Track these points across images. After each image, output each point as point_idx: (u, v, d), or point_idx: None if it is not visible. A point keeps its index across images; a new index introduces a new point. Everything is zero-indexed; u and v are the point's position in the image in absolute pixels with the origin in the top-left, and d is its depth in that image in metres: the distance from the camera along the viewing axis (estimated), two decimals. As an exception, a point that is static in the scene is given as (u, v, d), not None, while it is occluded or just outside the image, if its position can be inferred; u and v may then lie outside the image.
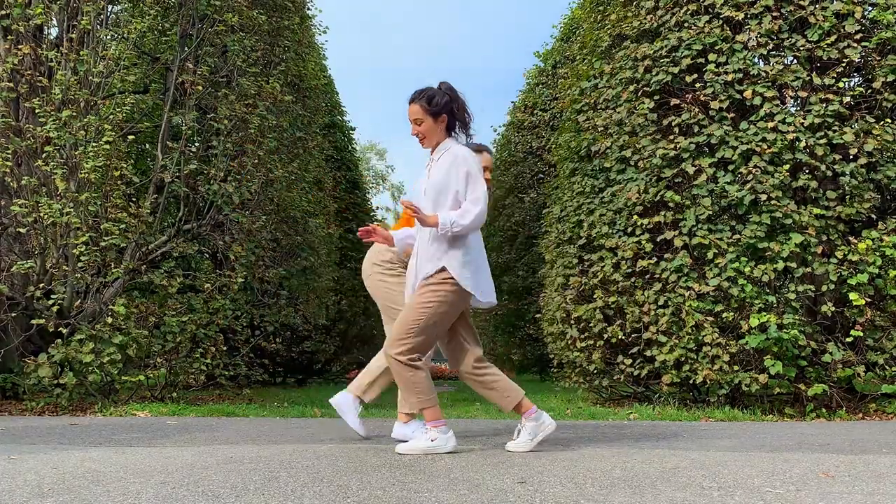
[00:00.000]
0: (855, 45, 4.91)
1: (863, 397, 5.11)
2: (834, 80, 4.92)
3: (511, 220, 12.64)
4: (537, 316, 8.03)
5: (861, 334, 4.64)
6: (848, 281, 4.70)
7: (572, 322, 5.77)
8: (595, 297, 5.52)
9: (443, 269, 2.88)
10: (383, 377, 3.41)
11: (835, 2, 5.10)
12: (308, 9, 9.14)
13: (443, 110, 3.06)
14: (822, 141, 4.80)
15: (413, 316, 2.84)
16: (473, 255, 2.94)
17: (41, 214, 5.06)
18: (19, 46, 5.25)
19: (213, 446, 3.11)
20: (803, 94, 4.98)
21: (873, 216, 4.95)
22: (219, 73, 6.37)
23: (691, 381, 5.04)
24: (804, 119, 4.87)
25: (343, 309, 11.50)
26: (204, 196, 6.14)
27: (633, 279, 5.33)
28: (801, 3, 5.07)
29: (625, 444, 3.22)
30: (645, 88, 5.45)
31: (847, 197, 4.91)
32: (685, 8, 5.37)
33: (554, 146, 7.16)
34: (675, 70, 5.23)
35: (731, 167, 4.99)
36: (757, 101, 4.96)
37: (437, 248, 2.91)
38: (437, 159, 3.05)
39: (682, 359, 4.96)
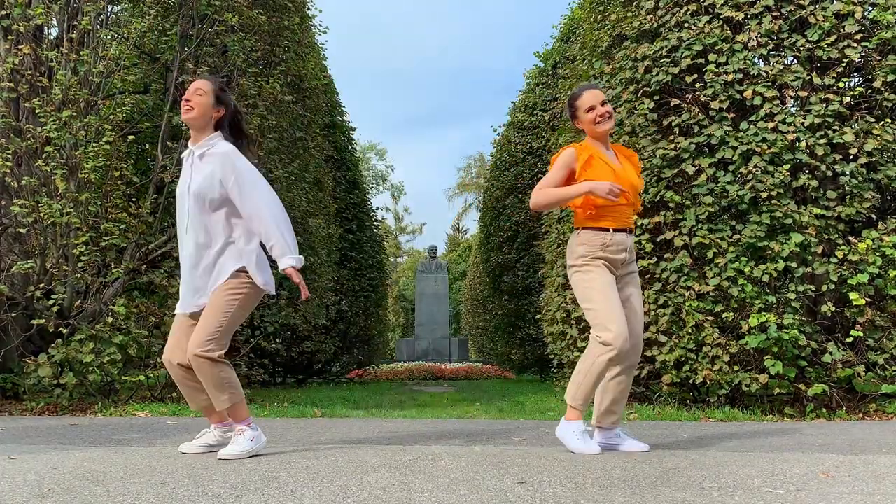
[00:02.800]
0: (855, 45, 4.92)
1: (863, 397, 5.11)
2: (834, 80, 4.92)
3: (511, 220, 12.65)
4: (537, 316, 8.03)
5: (861, 334, 4.64)
6: (848, 281, 4.70)
7: (572, 322, 5.77)
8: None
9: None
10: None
11: (835, 2, 5.10)
12: (308, 9, 9.14)
13: (225, 103, 2.96)
14: (822, 141, 4.80)
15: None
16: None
17: (41, 214, 5.06)
18: (20, 46, 5.25)
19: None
20: (803, 94, 4.98)
21: (873, 216, 4.96)
22: (219, 73, 6.37)
23: (691, 382, 5.04)
24: (804, 119, 4.87)
25: (343, 309, 11.50)
26: (204, 196, 6.13)
27: (633, 279, 5.32)
28: (801, 3, 5.08)
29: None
30: (645, 89, 5.45)
31: (847, 197, 4.91)
32: (685, 8, 5.37)
33: (554, 146, 7.16)
34: (675, 70, 5.23)
35: (731, 167, 4.99)
36: (757, 101, 4.96)
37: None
38: (199, 154, 2.90)
39: (682, 359, 4.96)
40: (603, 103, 3.04)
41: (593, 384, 2.87)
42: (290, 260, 2.82)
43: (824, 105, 4.90)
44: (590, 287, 2.89)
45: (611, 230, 2.93)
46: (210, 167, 2.85)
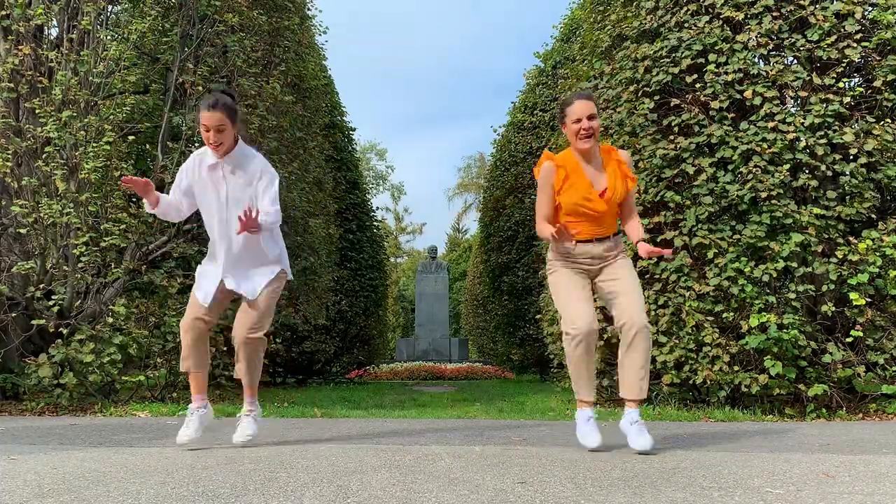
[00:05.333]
0: (855, 45, 4.92)
1: (863, 397, 5.11)
2: (834, 80, 4.92)
3: (511, 220, 12.65)
4: (537, 316, 8.03)
5: (861, 334, 4.64)
6: (848, 281, 4.70)
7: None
8: (595, 296, 5.52)
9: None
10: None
11: (835, 2, 5.10)
12: (308, 9, 9.14)
13: (238, 117, 3.11)
14: (822, 141, 4.80)
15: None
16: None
17: (41, 215, 5.06)
18: (20, 47, 5.25)
19: (213, 446, 3.11)
20: (803, 94, 4.98)
21: (873, 216, 4.96)
22: (219, 73, 6.37)
23: (691, 382, 5.04)
24: (804, 119, 4.87)
25: (343, 309, 11.50)
26: (204, 196, 6.12)
27: (633, 279, 5.32)
28: (801, 3, 5.08)
29: (625, 444, 3.22)
30: (645, 89, 5.45)
31: (847, 197, 4.91)
32: (685, 8, 5.37)
33: (554, 146, 7.16)
34: (675, 70, 5.24)
35: (731, 167, 4.99)
36: (757, 101, 4.96)
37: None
38: (235, 167, 3.10)
39: (683, 359, 4.96)
40: (591, 117, 3.01)
41: (576, 371, 3.08)
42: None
43: (824, 105, 4.90)
44: (555, 290, 3.16)
45: (574, 242, 3.12)
46: (256, 171, 3.14)
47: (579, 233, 3.10)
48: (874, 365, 4.80)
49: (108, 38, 5.69)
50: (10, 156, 5.12)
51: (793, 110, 5.09)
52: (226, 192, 3.10)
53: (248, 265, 3.17)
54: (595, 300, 3.18)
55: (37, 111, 5.15)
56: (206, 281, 3.15)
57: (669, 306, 5.01)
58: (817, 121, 4.83)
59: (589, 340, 3.01)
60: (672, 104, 5.30)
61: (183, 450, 2.97)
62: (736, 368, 4.81)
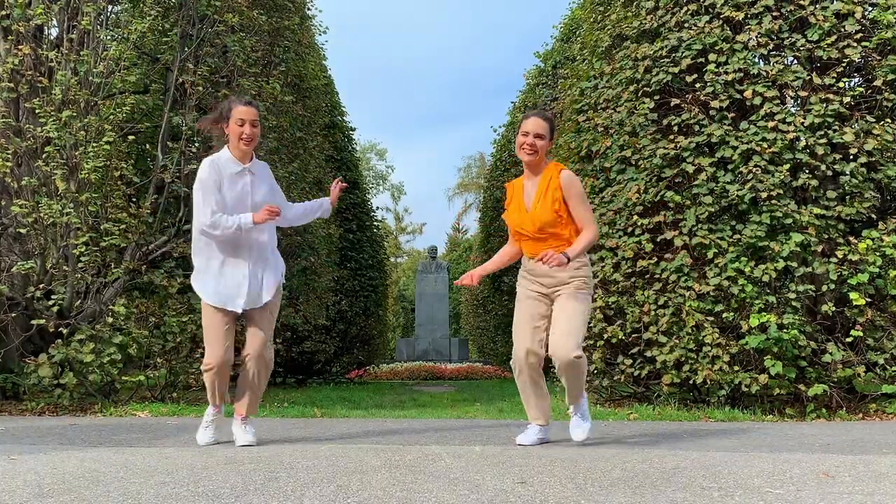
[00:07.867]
0: (855, 44, 4.92)
1: (863, 397, 5.11)
2: (834, 80, 4.92)
3: (511, 221, 12.64)
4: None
5: (861, 334, 4.64)
6: (848, 281, 4.70)
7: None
8: (595, 297, 5.52)
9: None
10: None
11: (835, 2, 5.10)
12: (308, 9, 9.14)
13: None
14: (822, 141, 4.80)
15: None
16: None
17: (41, 215, 5.06)
18: (20, 47, 5.25)
19: (213, 446, 3.11)
20: (803, 93, 4.98)
21: (873, 216, 4.96)
22: (219, 73, 6.37)
23: (691, 382, 5.04)
24: (804, 119, 4.87)
25: (343, 309, 11.49)
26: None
27: (633, 279, 5.32)
28: (802, 3, 5.08)
29: (625, 444, 3.22)
30: (645, 88, 5.45)
31: (847, 197, 4.91)
32: (685, 8, 5.37)
33: (555, 146, 7.16)
34: (676, 70, 5.23)
35: (731, 167, 4.99)
36: (757, 100, 4.96)
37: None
38: (257, 173, 3.27)
39: (683, 359, 4.95)
40: (538, 136, 3.12)
41: (524, 397, 3.23)
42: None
43: (824, 105, 4.90)
44: (515, 309, 3.29)
45: (528, 258, 3.27)
46: (267, 177, 3.34)
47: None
48: (874, 365, 4.80)
49: (108, 38, 5.69)
50: (10, 156, 5.12)
51: (793, 110, 5.09)
52: (251, 199, 3.21)
53: (262, 268, 3.23)
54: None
55: (37, 111, 5.15)
56: (233, 286, 3.16)
57: (669, 306, 5.01)
58: (817, 120, 4.83)
59: (524, 367, 3.12)
60: (672, 104, 5.30)
61: (184, 449, 2.97)
62: (736, 368, 4.81)
